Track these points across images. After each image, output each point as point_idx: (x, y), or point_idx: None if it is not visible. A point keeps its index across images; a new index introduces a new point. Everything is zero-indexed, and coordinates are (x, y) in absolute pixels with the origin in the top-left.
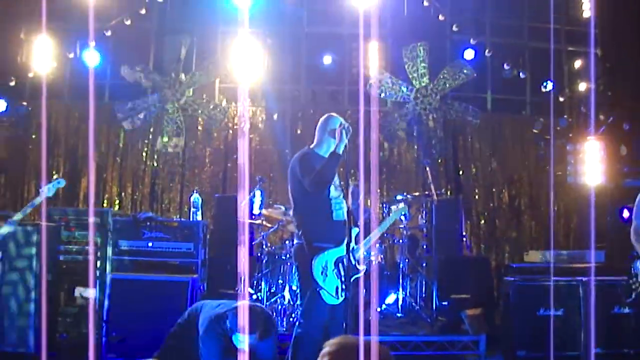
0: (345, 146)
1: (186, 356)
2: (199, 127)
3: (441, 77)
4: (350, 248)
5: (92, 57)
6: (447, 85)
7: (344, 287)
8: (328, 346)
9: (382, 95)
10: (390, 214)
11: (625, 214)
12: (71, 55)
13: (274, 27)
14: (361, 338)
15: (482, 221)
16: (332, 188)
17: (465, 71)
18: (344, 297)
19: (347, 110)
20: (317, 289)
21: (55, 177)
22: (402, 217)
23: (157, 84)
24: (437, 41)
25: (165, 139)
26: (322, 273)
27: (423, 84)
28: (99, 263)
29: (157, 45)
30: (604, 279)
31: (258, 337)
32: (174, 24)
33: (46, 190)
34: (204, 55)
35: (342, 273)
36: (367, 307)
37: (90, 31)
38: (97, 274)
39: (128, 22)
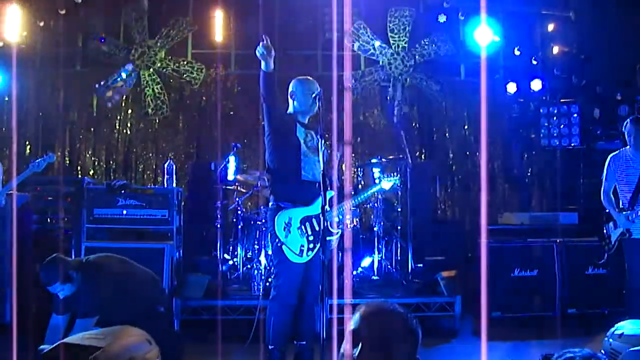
0: (319, 109)
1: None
2: (172, 94)
3: (421, 45)
4: (325, 210)
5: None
6: (424, 54)
7: (310, 246)
8: (364, 306)
9: (356, 47)
10: (375, 186)
11: None
12: (42, 24)
13: None
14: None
15: (457, 184)
16: (303, 146)
17: (445, 46)
18: (309, 257)
19: (322, 74)
20: (279, 244)
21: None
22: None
23: (127, 55)
24: (410, 4)
25: (148, 107)
26: (284, 229)
27: (401, 47)
28: (73, 232)
29: (128, 11)
30: (577, 241)
31: (62, 282)
32: None
33: (35, 166)
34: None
35: (309, 232)
36: (343, 271)
37: None
38: (72, 242)
39: None
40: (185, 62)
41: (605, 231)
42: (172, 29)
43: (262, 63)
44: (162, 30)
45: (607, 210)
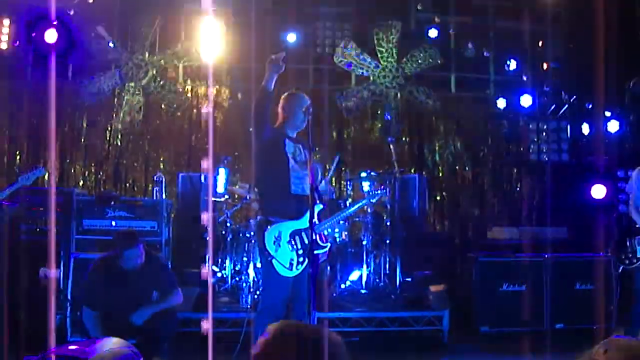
0: (308, 122)
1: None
2: (163, 106)
3: (409, 58)
4: (313, 224)
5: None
6: (414, 66)
7: (300, 260)
8: (267, 332)
9: (343, 63)
10: (363, 200)
11: (597, 192)
12: (33, 35)
13: (239, 4)
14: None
15: (446, 198)
16: (291, 161)
17: (432, 56)
18: (299, 271)
19: (312, 88)
20: (269, 259)
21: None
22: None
23: (122, 60)
24: (401, 19)
25: (123, 117)
26: (274, 243)
27: (391, 63)
28: (62, 243)
29: (121, 23)
30: (566, 256)
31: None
32: (139, 2)
33: (25, 179)
34: (170, 37)
35: (298, 246)
36: (331, 284)
37: (52, 10)
38: (61, 253)
39: (91, 0)
40: (169, 89)
41: (629, 245)
42: (167, 57)
43: (268, 80)
44: (157, 50)
45: (636, 224)
